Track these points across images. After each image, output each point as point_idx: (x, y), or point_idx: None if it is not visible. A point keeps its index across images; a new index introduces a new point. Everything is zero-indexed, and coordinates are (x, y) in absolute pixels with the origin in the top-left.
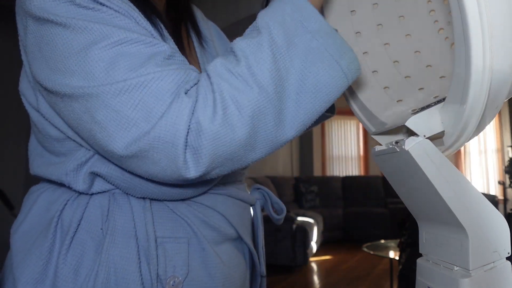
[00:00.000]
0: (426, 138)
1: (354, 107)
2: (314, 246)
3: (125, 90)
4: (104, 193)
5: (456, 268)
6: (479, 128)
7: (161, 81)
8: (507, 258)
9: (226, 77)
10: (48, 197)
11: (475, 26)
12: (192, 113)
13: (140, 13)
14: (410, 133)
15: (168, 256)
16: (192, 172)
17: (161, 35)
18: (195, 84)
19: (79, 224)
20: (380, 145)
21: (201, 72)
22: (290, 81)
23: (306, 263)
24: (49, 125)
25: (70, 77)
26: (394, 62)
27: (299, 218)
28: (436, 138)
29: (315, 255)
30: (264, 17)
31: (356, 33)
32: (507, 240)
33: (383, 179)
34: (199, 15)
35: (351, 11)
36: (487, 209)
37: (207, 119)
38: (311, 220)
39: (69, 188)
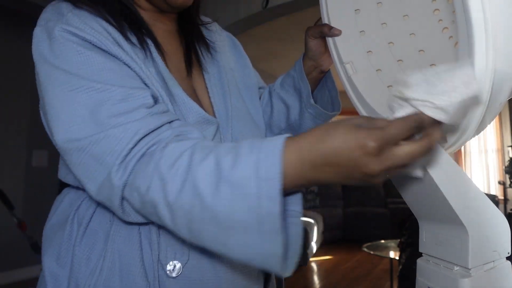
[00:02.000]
0: None
1: (358, 105)
2: (314, 246)
3: (69, 151)
4: None
5: (456, 268)
6: (481, 127)
7: (101, 147)
8: (507, 258)
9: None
10: (71, 198)
11: (479, 25)
12: (122, 193)
13: (118, 37)
14: None
15: (170, 244)
16: (134, 219)
17: (148, 53)
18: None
19: (91, 217)
20: None
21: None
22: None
23: (306, 263)
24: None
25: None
26: (398, 61)
27: None
28: None
29: (315, 255)
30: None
31: (360, 31)
32: (507, 240)
33: None
34: (214, 27)
35: (356, 10)
36: (488, 208)
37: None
38: (311, 220)
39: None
